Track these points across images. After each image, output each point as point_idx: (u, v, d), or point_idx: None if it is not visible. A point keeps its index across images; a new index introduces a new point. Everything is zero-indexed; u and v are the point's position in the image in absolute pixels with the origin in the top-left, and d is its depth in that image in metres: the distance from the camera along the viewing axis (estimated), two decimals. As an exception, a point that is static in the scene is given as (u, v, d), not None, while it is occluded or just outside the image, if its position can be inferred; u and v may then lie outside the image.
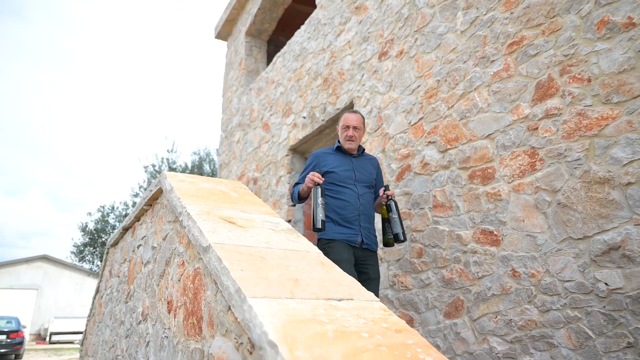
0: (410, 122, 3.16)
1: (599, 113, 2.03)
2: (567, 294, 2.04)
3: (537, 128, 2.29)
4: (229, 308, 1.25)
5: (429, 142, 2.96)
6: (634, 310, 1.80)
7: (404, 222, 2.93)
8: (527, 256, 2.24)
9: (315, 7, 6.35)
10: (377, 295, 2.47)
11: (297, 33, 5.05)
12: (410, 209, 3.02)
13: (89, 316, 4.24)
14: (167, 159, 12.31)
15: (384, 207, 2.54)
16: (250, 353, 1.12)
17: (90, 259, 12.02)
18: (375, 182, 2.69)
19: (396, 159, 3.22)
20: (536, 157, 2.27)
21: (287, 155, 4.85)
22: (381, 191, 2.59)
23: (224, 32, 7.51)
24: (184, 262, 1.73)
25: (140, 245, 2.64)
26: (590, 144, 2.04)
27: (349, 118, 2.63)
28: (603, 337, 1.89)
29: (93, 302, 4.12)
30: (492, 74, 2.58)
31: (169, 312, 1.80)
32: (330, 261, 1.56)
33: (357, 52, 3.88)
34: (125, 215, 11.95)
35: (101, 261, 12.16)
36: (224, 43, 7.81)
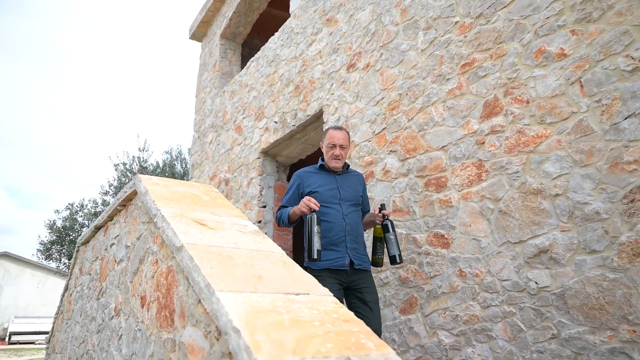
0: (374, 132, 3.38)
1: (534, 132, 2.29)
2: (504, 291, 2.30)
3: (484, 142, 2.54)
4: (199, 301, 1.42)
5: (391, 151, 3.19)
6: (557, 305, 2.06)
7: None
8: (472, 258, 2.49)
9: (289, 12, 6.53)
10: (379, 321, 2.32)
11: (271, 40, 5.21)
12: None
13: (57, 314, 4.27)
14: (139, 158, 12.21)
15: (379, 227, 2.46)
16: (217, 340, 1.29)
17: (58, 257, 11.79)
18: (362, 199, 2.61)
19: (361, 166, 3.44)
20: (482, 168, 2.52)
21: (258, 158, 5.01)
22: (376, 209, 2.50)
23: (199, 33, 7.58)
24: (157, 260, 1.88)
25: (113, 244, 2.74)
26: (527, 159, 2.30)
27: (335, 136, 2.53)
28: (532, 329, 2.15)
29: (62, 299, 4.16)
30: (447, 91, 2.82)
31: (143, 307, 1.94)
32: (291, 260, 1.74)
33: (327, 62, 4.08)
34: (95, 213, 11.78)
35: (69, 259, 11.93)
36: (198, 44, 7.88)
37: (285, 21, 6.68)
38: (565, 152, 2.14)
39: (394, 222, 2.94)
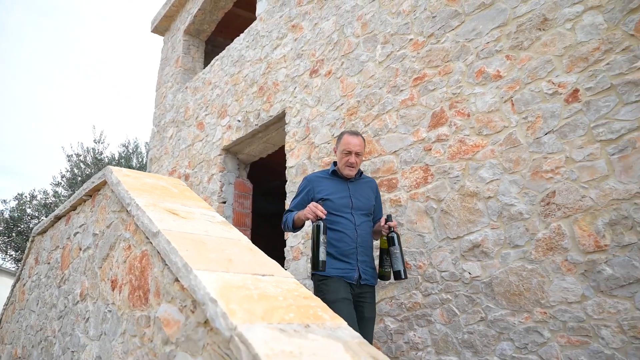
0: (333, 135, 3.63)
1: (473, 142, 2.62)
2: (443, 281, 2.61)
3: (430, 149, 2.85)
4: (176, 280, 1.59)
5: (348, 153, 3.44)
6: (486, 292, 2.39)
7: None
8: (417, 251, 2.78)
9: (254, 13, 6.67)
10: (371, 336, 2.30)
11: (237, 40, 5.35)
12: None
13: (6, 305, 4.20)
14: (94, 149, 11.83)
15: (385, 239, 2.34)
16: (193, 312, 1.47)
17: (4, 248, 11.21)
18: (375, 208, 2.51)
19: (320, 166, 3.67)
20: (428, 172, 2.82)
21: (220, 155, 5.13)
22: (382, 221, 2.36)
23: (161, 27, 7.55)
24: (130, 246, 2.01)
25: (77, 232, 2.81)
26: (466, 165, 2.63)
27: (351, 143, 2.40)
28: (465, 313, 2.47)
29: (12, 289, 4.10)
30: (400, 101, 3.11)
31: (113, 290, 2.06)
32: (257, 248, 1.94)
33: (291, 67, 4.29)
34: (46, 204, 11.30)
35: (16, 251, 11.38)
36: (160, 37, 7.84)
37: (249, 22, 6.82)
38: (497, 160, 2.48)
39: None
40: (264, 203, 7.59)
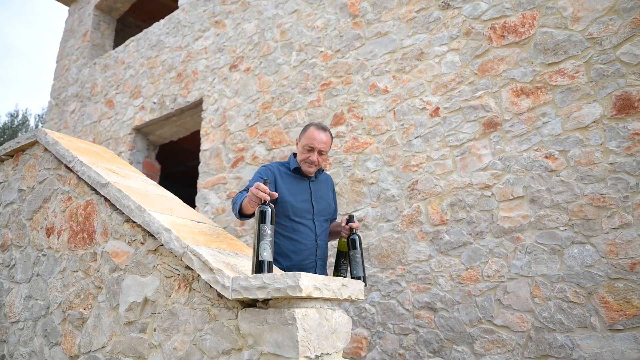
0: (248, 124, 4.10)
1: (363, 140, 3.31)
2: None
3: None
4: (126, 221, 1.95)
5: (260, 141, 3.95)
6: (365, 256, 3.08)
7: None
8: (313, 225, 3.39)
9: (173, 1, 6.81)
10: None
11: (156, 25, 5.51)
12: (239, 190, 3.94)
13: None
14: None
15: (345, 241, 2.07)
16: (142, 244, 1.86)
17: None
18: (333, 208, 2.24)
19: (233, 150, 4.11)
20: (327, 161, 3.46)
21: (130, 134, 5.25)
22: (343, 221, 2.07)
23: (68, -3, 7.25)
24: (70, 197, 2.28)
25: (-6, 190, 2.89)
26: (357, 158, 3.31)
27: (316, 138, 2.04)
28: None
29: None
30: (309, 102, 3.71)
31: (49, 236, 2.30)
32: (185, 204, 2.35)
33: (212, 59, 4.66)
34: None
35: None
36: (64, 7, 7.49)
37: (165, 7, 6.94)
38: (380, 155, 3.20)
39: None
40: (167, 186, 7.67)
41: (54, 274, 2.19)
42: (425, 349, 2.69)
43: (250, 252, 2.00)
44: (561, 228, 2.42)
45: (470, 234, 2.70)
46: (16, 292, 2.38)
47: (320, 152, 2.05)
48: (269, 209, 1.54)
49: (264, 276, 1.40)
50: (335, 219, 2.33)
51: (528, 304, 2.43)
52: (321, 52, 3.77)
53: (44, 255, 2.30)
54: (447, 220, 2.81)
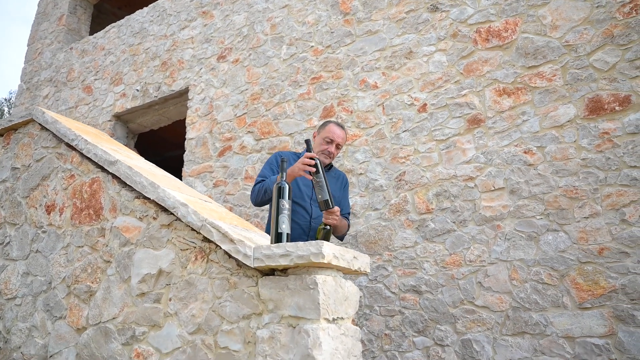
0: (236, 115, 4.16)
1: (353, 132, 3.46)
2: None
3: (320, 135, 3.61)
4: (136, 197, 2.00)
5: (248, 131, 4.02)
6: (352, 243, 3.22)
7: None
8: (302, 214, 3.50)
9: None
10: None
11: (139, 12, 5.45)
12: (226, 178, 4.00)
13: None
14: None
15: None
16: (155, 219, 1.92)
17: None
18: (341, 203, 2.34)
19: (220, 140, 4.16)
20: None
21: (110, 121, 5.17)
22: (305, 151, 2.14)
23: (42, -21, 7.01)
24: (73, 175, 2.29)
25: (-19, 168, 2.83)
26: (346, 149, 3.45)
27: (336, 133, 2.32)
28: (335, 259, 3.26)
29: None
30: (298, 94, 3.82)
31: (50, 213, 2.30)
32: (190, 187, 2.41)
33: (198, 49, 4.67)
34: None
35: None
36: (37, -11, 7.23)
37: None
38: (369, 147, 3.35)
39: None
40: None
41: (57, 250, 2.20)
42: (410, 329, 2.86)
43: (257, 230, 2.10)
44: (537, 217, 2.65)
45: (454, 222, 2.90)
46: (12, 269, 2.36)
47: (337, 146, 2.34)
48: (287, 186, 1.66)
49: (287, 245, 1.51)
50: (346, 212, 2.41)
51: (506, 286, 2.64)
52: (312, 46, 3.88)
53: (43, 232, 2.30)
54: (432, 209, 2.99)
